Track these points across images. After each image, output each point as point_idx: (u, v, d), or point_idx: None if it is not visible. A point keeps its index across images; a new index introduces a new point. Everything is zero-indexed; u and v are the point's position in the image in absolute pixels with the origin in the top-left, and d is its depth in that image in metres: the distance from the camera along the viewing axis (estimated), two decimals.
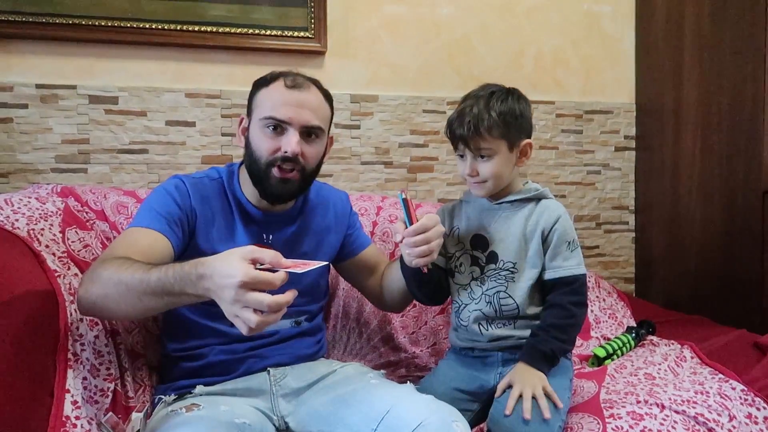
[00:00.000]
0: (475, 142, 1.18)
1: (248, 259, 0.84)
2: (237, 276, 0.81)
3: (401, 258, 1.21)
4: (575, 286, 1.20)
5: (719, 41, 1.87)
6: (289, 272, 0.86)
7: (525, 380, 1.12)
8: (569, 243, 1.22)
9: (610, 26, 2.19)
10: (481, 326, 1.24)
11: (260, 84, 1.23)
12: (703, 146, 1.95)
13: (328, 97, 1.25)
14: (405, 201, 1.11)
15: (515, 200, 1.25)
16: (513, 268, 1.23)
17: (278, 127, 1.16)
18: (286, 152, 1.15)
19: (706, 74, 1.92)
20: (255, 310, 0.82)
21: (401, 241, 1.13)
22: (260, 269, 0.84)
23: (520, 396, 1.11)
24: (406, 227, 1.11)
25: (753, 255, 1.77)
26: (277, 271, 0.85)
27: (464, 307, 1.27)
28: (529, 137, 1.24)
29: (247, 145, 1.22)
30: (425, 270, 1.17)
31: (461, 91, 2.00)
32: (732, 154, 1.84)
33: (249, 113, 1.24)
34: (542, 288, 1.24)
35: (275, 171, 1.17)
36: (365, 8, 1.96)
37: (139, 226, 1.13)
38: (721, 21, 1.86)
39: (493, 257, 1.24)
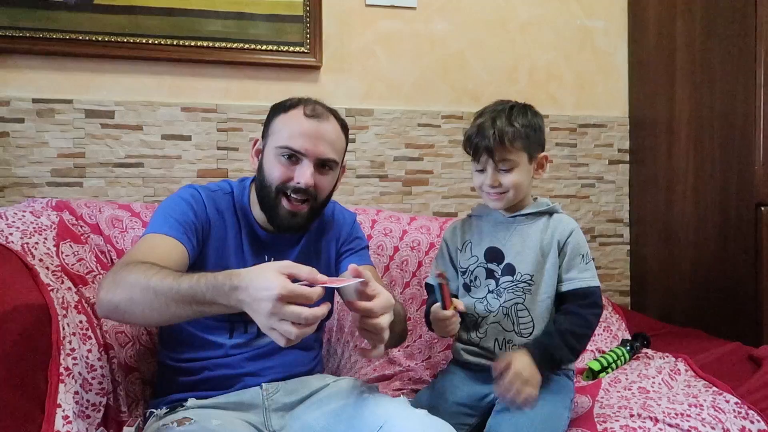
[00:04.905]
0: (500, 153, 1.21)
1: (285, 272, 0.85)
2: (275, 289, 0.82)
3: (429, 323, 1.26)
4: (593, 299, 1.22)
5: (710, 55, 1.89)
6: (326, 287, 0.87)
7: (523, 375, 1.11)
8: (583, 256, 1.24)
9: (602, 41, 2.22)
10: (497, 343, 1.24)
11: (279, 109, 1.22)
12: (696, 159, 1.97)
13: (344, 128, 1.25)
14: (441, 286, 1.16)
15: (530, 213, 1.27)
16: (530, 280, 1.23)
17: (293, 156, 1.17)
18: (298, 183, 1.16)
19: (698, 88, 1.94)
20: (293, 323, 0.83)
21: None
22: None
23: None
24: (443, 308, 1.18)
25: (747, 267, 1.77)
26: (313, 286, 0.86)
27: (482, 320, 1.27)
28: (544, 150, 1.28)
29: (260, 170, 1.21)
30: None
31: (456, 105, 2.06)
32: (725, 167, 1.85)
33: (264, 136, 1.23)
34: (557, 302, 1.25)
35: (285, 202, 1.18)
36: (360, 23, 1.98)
37: (157, 232, 1.12)
38: (712, 35, 1.88)
39: (509, 269, 1.25)
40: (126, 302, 0.96)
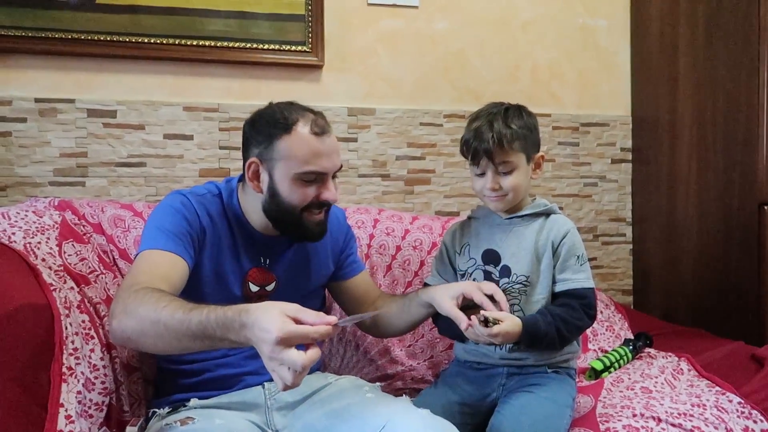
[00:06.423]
0: (500, 155, 1.21)
1: (290, 315, 0.83)
2: (273, 332, 0.81)
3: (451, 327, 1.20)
4: (586, 300, 1.22)
5: (713, 54, 1.88)
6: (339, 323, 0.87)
7: (509, 335, 1.11)
8: (578, 257, 1.24)
9: (605, 40, 2.21)
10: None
11: (277, 128, 1.14)
12: (698, 158, 1.96)
13: None
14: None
15: (526, 215, 1.28)
16: (526, 281, 1.24)
17: (316, 177, 1.16)
18: (328, 200, 1.18)
19: (700, 87, 1.94)
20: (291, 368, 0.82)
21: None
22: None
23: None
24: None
25: (750, 267, 1.77)
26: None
27: None
28: (540, 150, 1.29)
29: (274, 195, 1.16)
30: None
31: (457, 104, 2.06)
32: (728, 166, 1.85)
33: (265, 159, 1.16)
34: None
35: (309, 215, 1.18)
36: (362, 22, 1.97)
37: (155, 248, 1.10)
38: (715, 34, 1.87)
39: (506, 271, 1.26)
40: (137, 334, 0.96)
